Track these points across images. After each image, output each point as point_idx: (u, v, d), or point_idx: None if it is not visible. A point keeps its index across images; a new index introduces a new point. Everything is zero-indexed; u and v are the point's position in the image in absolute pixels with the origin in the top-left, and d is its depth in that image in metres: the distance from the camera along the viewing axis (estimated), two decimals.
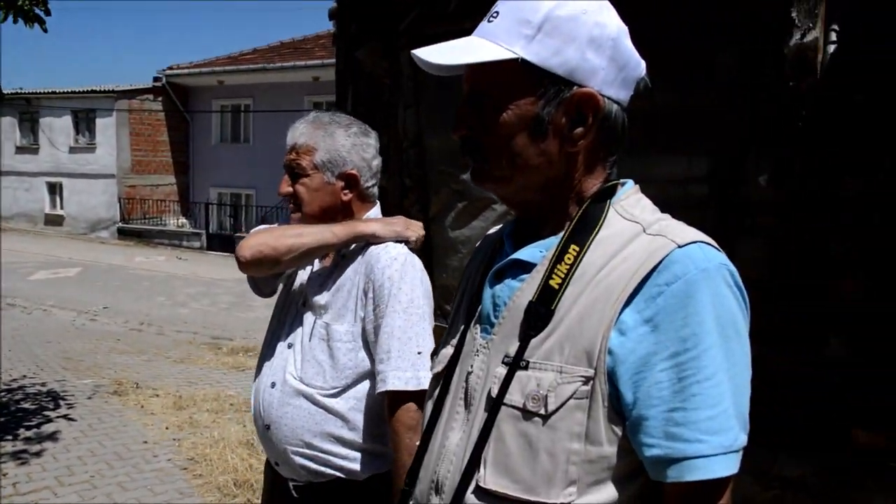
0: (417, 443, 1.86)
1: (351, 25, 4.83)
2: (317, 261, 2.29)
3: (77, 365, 9.28)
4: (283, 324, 2.33)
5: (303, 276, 2.35)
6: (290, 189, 2.23)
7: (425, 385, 1.90)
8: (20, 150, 28.17)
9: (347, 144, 2.20)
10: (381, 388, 2.01)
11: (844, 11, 2.61)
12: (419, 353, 2.00)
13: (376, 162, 2.28)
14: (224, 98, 25.54)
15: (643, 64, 1.23)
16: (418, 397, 1.94)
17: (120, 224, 25.76)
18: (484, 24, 1.20)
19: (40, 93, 26.50)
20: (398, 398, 1.99)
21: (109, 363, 9.43)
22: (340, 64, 4.95)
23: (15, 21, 6.49)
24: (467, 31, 1.17)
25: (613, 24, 1.16)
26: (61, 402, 7.59)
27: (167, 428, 6.91)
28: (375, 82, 4.75)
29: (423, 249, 4.40)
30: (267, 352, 2.33)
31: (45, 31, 6.64)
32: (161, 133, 26.27)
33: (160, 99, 25.78)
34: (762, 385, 2.79)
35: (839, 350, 2.71)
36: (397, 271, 2.08)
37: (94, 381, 8.51)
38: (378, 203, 2.33)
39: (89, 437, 6.65)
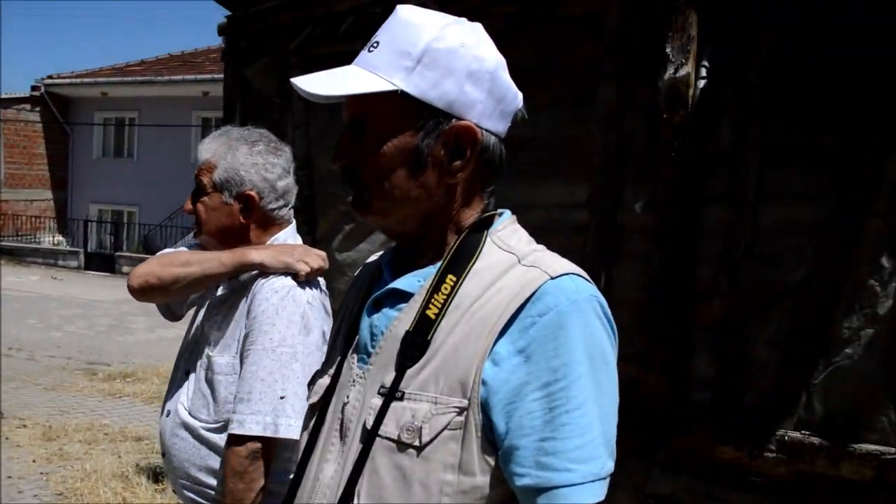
0: (242, 487, 1.84)
1: (240, 42, 4.77)
2: (220, 287, 2.20)
3: None
4: (186, 349, 2.23)
5: (206, 301, 2.27)
6: (191, 207, 2.14)
7: (282, 434, 1.85)
8: None
9: (247, 163, 2.08)
10: (236, 429, 1.88)
11: (714, 49, 2.79)
12: (282, 397, 1.88)
13: (283, 182, 2.14)
14: (108, 111, 24.51)
15: (520, 96, 1.25)
16: (267, 443, 1.87)
17: None
18: (364, 54, 1.20)
19: None
20: (237, 440, 1.88)
21: None
22: (229, 80, 4.87)
23: None
24: (358, 53, 1.17)
25: (492, 58, 1.18)
26: None
27: (34, 461, 6.44)
28: (264, 101, 4.70)
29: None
30: (173, 375, 2.24)
31: None
32: (38, 145, 25.01)
33: (38, 109, 24.61)
34: (636, 405, 2.91)
35: (706, 370, 2.85)
36: (273, 306, 1.95)
37: None
38: (292, 224, 2.20)
39: None
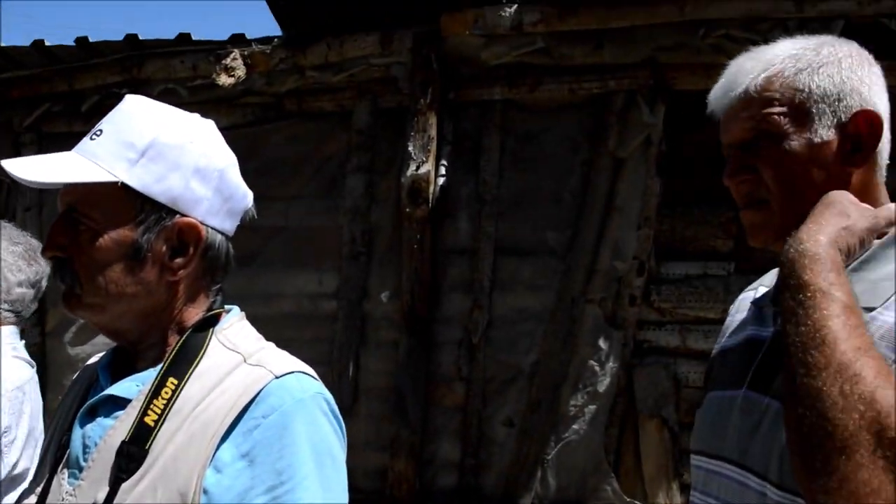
0: None
1: None
2: None
3: None
4: None
5: None
6: None
7: None
8: None
9: None
10: None
11: (452, 149, 3.00)
12: None
13: (20, 290, 2.03)
14: None
15: (250, 195, 1.21)
16: None
17: None
18: (86, 142, 1.12)
19: None
20: None
21: None
22: None
23: None
24: None
25: (221, 156, 1.14)
26: None
27: None
28: None
29: (39, 369, 3.92)
30: None
31: None
32: None
33: None
34: (384, 492, 2.88)
35: (451, 453, 2.94)
36: None
37: None
38: (11, 328, 2.04)
39: None
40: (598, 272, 2.82)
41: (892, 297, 0.94)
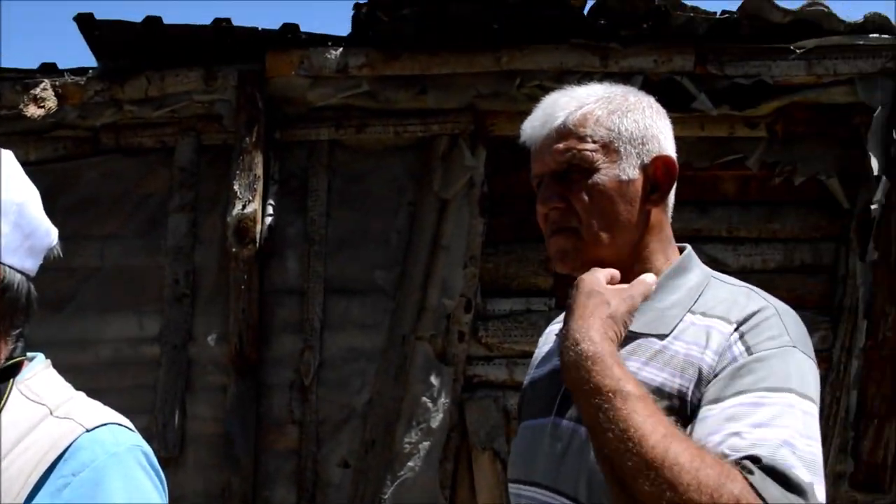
0: None
1: None
2: None
3: None
4: None
5: None
6: None
7: None
8: None
9: None
10: None
11: (279, 188, 2.97)
12: None
13: None
14: None
15: (55, 232, 1.15)
16: None
17: None
18: None
19: None
20: None
21: None
22: None
23: None
24: None
25: (21, 189, 1.07)
26: None
27: None
28: None
29: None
30: None
31: None
32: None
33: None
34: None
35: (286, 498, 2.88)
36: None
37: None
38: None
39: None
40: (427, 310, 2.86)
41: (678, 325, 1.05)
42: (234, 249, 2.83)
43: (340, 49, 2.91)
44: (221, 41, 2.97)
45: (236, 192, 2.84)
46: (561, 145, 1.09)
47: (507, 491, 2.76)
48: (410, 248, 2.91)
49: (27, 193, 1.10)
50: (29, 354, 1.12)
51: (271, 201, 2.93)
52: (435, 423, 2.81)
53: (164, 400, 2.91)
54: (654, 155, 1.12)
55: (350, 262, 2.95)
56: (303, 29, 2.96)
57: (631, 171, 1.10)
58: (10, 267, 1.06)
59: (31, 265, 1.10)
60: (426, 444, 2.81)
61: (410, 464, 2.81)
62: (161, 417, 2.86)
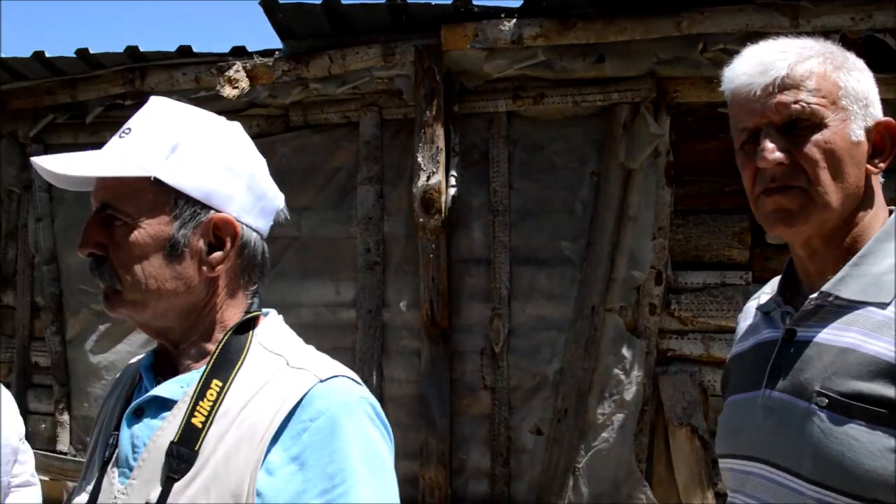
0: None
1: None
2: None
3: None
4: None
5: None
6: None
7: None
8: None
9: None
10: None
11: (461, 159, 3.03)
12: None
13: None
14: None
15: (281, 196, 1.19)
16: None
17: None
18: (115, 140, 1.10)
19: None
20: None
21: None
22: None
23: None
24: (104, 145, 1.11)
25: (251, 155, 1.16)
26: None
27: None
28: (0, 189, 4.33)
29: (60, 378, 4.01)
30: None
31: None
32: None
33: None
34: (417, 500, 2.96)
35: (481, 462, 2.99)
36: None
37: None
38: None
39: None
40: (616, 281, 2.84)
41: None
42: (420, 220, 2.93)
43: (514, 20, 2.88)
44: (397, 18, 3.02)
45: (420, 164, 2.92)
46: (786, 96, 1.03)
47: (707, 468, 2.71)
48: (596, 219, 2.89)
49: (257, 160, 1.18)
50: (263, 310, 1.20)
51: (454, 172, 2.99)
52: (628, 396, 2.81)
53: (362, 361, 3.11)
54: (878, 118, 1.06)
55: (535, 232, 2.96)
56: (475, 2, 2.93)
57: (859, 131, 1.05)
58: (247, 226, 1.14)
59: (264, 226, 1.18)
60: (620, 416, 2.82)
61: (604, 435, 2.84)
62: (360, 378, 3.05)
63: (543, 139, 2.99)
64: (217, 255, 1.12)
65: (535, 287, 2.95)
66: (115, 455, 1.15)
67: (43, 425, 4.15)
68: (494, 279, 2.98)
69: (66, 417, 4.06)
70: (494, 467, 2.96)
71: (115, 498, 1.11)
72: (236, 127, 1.17)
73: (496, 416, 2.96)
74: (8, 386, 4.23)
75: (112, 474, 1.13)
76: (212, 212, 1.11)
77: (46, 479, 4.02)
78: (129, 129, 1.11)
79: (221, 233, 1.12)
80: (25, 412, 4.18)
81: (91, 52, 3.73)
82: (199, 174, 1.10)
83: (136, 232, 1.08)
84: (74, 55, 3.77)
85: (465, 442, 3.01)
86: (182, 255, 1.10)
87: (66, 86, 3.95)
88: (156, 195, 1.09)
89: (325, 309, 3.24)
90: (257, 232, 1.17)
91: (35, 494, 2.54)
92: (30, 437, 4.10)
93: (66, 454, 4.03)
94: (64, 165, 1.07)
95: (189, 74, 3.56)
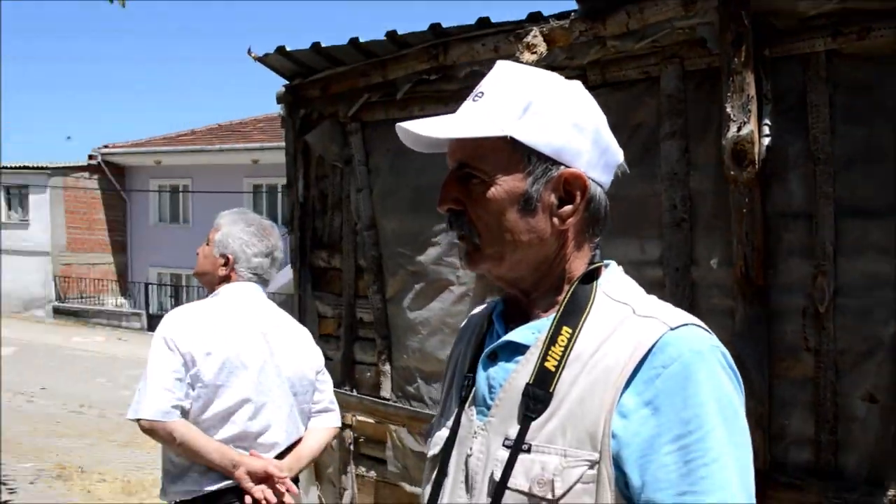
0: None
1: (299, 109, 4.92)
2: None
3: (17, 448, 8.75)
4: None
5: None
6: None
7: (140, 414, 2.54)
8: None
9: (236, 235, 2.82)
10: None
11: (774, 106, 2.83)
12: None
13: (258, 260, 2.85)
14: (162, 178, 24.85)
15: (621, 152, 1.24)
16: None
17: (55, 303, 24.84)
18: (468, 104, 1.20)
19: None
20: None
21: (50, 446, 8.96)
22: (290, 146, 5.01)
23: None
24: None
25: (595, 110, 1.20)
26: (2, 487, 7.14)
27: None
28: (326, 165, 4.83)
29: (381, 332, 4.44)
30: None
31: None
32: (97, 211, 25.50)
33: (96, 177, 25.07)
34: None
35: (803, 428, 2.80)
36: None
37: (36, 464, 8.07)
38: (254, 285, 2.85)
39: None
40: None
41: None
42: (731, 173, 2.79)
43: None
44: None
45: (729, 115, 2.77)
46: None
47: None
48: None
49: (600, 116, 1.23)
50: (604, 262, 1.26)
51: (767, 121, 2.80)
52: None
53: None
54: None
55: (863, 181, 2.68)
56: None
57: None
58: (593, 180, 1.20)
59: (606, 180, 1.23)
60: None
61: None
62: None
63: (870, 78, 2.68)
64: (567, 208, 1.19)
65: (866, 242, 2.67)
66: (471, 395, 1.26)
67: (368, 374, 4.62)
68: (817, 234, 2.76)
69: (387, 367, 4.49)
70: (819, 434, 2.76)
71: (475, 433, 1.21)
72: (578, 85, 1.22)
73: (821, 380, 2.75)
74: (337, 338, 4.82)
75: (470, 412, 1.24)
76: (562, 167, 1.17)
77: (371, 421, 4.52)
78: (482, 92, 1.22)
79: (571, 187, 1.18)
80: (352, 362, 4.71)
81: (399, 33, 4.04)
82: (550, 132, 1.17)
83: (492, 188, 1.17)
84: (384, 38, 4.10)
85: (785, 406, 2.85)
86: (535, 209, 1.17)
87: (378, 67, 4.32)
88: (510, 153, 1.17)
89: (631, 267, 3.16)
90: (601, 186, 1.22)
91: (334, 419, 3.02)
92: (356, 384, 4.66)
93: (388, 400, 4.46)
94: (427, 129, 1.18)
95: (488, 45, 3.72)
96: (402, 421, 4.32)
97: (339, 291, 4.79)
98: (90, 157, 25.12)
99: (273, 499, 2.59)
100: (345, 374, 4.69)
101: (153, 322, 22.81)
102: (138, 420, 2.55)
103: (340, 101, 4.61)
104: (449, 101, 3.81)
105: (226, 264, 2.84)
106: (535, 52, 3.47)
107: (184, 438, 2.51)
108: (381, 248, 4.49)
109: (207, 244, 2.89)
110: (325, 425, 2.94)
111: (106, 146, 25.02)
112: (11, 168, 25.26)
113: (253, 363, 2.66)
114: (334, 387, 3.08)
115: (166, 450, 2.67)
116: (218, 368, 2.58)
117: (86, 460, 8.36)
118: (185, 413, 2.55)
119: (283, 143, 5.24)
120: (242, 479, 2.56)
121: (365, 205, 4.53)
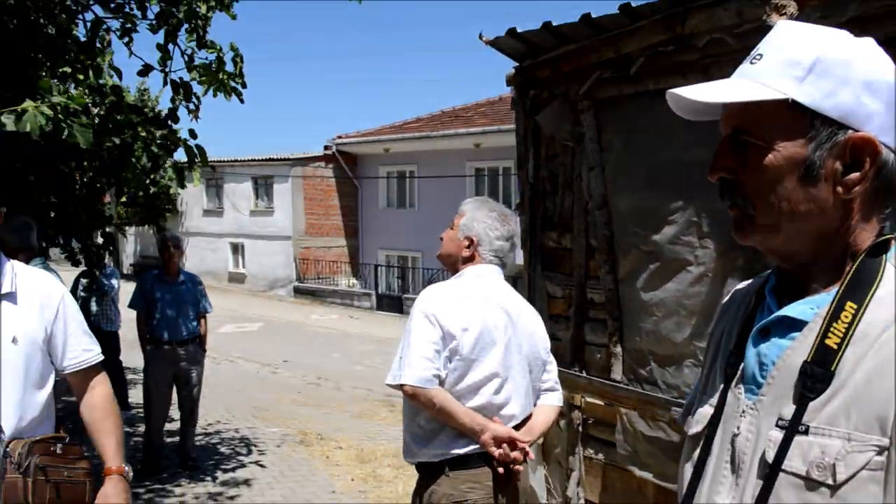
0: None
1: (529, 90, 4.94)
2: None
3: (264, 414, 9.57)
4: None
5: None
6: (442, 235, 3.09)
7: (403, 380, 2.70)
8: (207, 213, 30.38)
9: (480, 219, 2.99)
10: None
11: None
12: (400, 357, 2.77)
13: (499, 243, 3.00)
14: (390, 164, 26.19)
15: None
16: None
17: (296, 283, 27.09)
18: (746, 66, 1.14)
19: (224, 161, 28.12)
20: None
21: (293, 414, 9.67)
22: (520, 128, 5.04)
23: (215, 95, 6.65)
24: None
25: (890, 69, 1.10)
26: (253, 449, 7.84)
27: (353, 480, 7.01)
28: (556, 145, 4.81)
29: (613, 313, 4.36)
30: None
31: (242, 101, 6.73)
32: (332, 198, 27.44)
33: (331, 166, 26.94)
34: None
35: None
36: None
37: (282, 429, 8.76)
38: (495, 267, 3.01)
39: (281, 484, 6.64)
40: None
41: None
42: None
43: None
44: None
45: None
46: None
47: None
48: None
49: (894, 73, 1.10)
50: (894, 235, 1.13)
51: None
52: None
53: None
54: None
55: None
56: None
57: None
58: (885, 145, 1.08)
59: None
60: None
61: None
62: None
63: None
64: (854, 176, 1.10)
65: None
66: (739, 372, 1.19)
67: (598, 355, 4.54)
68: None
69: (618, 349, 4.38)
70: None
71: (743, 412, 1.15)
72: (869, 42, 1.12)
73: None
74: (566, 319, 4.80)
75: (737, 390, 1.18)
76: (849, 131, 1.08)
77: (601, 403, 4.44)
78: (760, 54, 1.14)
79: (859, 153, 1.09)
80: (582, 343, 4.67)
81: (632, 5, 3.92)
82: (836, 94, 1.08)
83: (770, 155, 1.10)
84: (617, 11, 3.99)
85: None
86: (817, 177, 1.09)
87: (610, 42, 4.21)
88: (792, 117, 1.09)
89: None
90: (894, 153, 1.10)
91: (559, 398, 3.15)
92: (585, 365, 4.61)
93: (618, 382, 4.35)
94: (700, 94, 1.13)
95: (730, 10, 3.50)
96: (633, 404, 4.21)
97: (569, 271, 4.74)
98: (325, 147, 27.05)
99: (519, 456, 2.73)
100: (574, 354, 4.64)
101: (382, 302, 24.23)
102: (401, 386, 2.72)
103: (571, 79, 4.56)
104: (688, 72, 3.63)
105: (469, 246, 2.99)
106: (785, 14, 3.22)
107: (442, 405, 2.69)
108: (613, 228, 4.39)
109: (451, 228, 3.04)
110: (551, 403, 3.07)
111: (339, 137, 26.80)
112: (258, 161, 27.88)
113: (501, 340, 2.82)
114: (563, 367, 3.14)
115: (414, 415, 2.82)
116: (473, 343, 2.75)
117: (324, 428, 9.01)
118: (441, 382, 2.73)
119: (503, 126, 5.33)
120: (488, 444, 2.67)
121: (597, 183, 4.45)
